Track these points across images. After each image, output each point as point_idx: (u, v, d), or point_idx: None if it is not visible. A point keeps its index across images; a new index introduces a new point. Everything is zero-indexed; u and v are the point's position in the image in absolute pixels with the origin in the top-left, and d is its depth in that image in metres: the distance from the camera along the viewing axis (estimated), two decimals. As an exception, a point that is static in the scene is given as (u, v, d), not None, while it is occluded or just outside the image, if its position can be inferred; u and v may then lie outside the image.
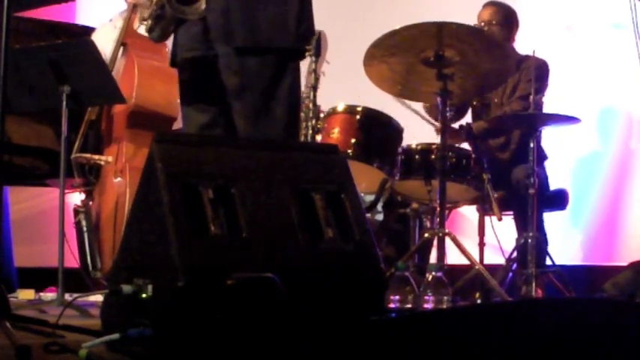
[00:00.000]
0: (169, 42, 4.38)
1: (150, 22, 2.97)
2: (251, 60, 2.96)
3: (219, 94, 3.01)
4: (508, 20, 4.75)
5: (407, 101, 4.42)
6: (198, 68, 3.05)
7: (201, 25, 2.98)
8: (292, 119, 3.04)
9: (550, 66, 4.65)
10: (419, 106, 4.57)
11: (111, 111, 4.33)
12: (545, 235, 4.43)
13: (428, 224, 4.30)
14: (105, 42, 4.30)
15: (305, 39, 3.05)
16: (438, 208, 3.87)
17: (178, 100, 4.26)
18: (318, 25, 4.26)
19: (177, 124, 4.43)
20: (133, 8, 4.42)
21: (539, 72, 4.43)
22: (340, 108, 4.32)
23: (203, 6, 2.81)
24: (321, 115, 4.30)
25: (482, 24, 4.67)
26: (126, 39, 4.31)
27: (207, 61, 3.01)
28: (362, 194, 4.31)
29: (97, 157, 4.26)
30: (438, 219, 3.87)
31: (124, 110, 4.20)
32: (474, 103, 4.79)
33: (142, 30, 4.47)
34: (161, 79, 4.22)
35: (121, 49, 4.33)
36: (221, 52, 2.98)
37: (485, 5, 4.78)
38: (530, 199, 4.10)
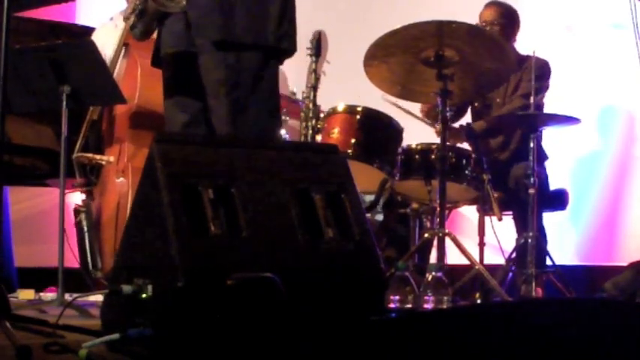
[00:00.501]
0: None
1: (132, 18, 2.97)
2: (233, 55, 2.97)
3: (201, 91, 3.02)
4: (510, 20, 4.74)
5: (400, 102, 4.44)
6: (180, 64, 3.06)
7: (184, 22, 3.00)
8: (270, 118, 3.05)
9: (550, 66, 4.65)
10: (415, 107, 4.60)
11: (113, 111, 4.32)
12: (544, 235, 4.43)
13: (428, 224, 4.30)
14: (105, 42, 4.30)
15: (286, 39, 3.06)
16: (438, 208, 3.87)
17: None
18: (318, 25, 4.27)
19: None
20: None
21: (540, 72, 4.42)
22: (340, 108, 4.31)
23: (184, 0, 2.82)
24: (321, 115, 4.30)
25: (484, 24, 4.67)
26: (128, 39, 4.31)
27: (189, 57, 3.02)
28: (362, 194, 4.30)
29: (98, 157, 4.26)
30: (438, 219, 3.87)
31: (126, 111, 4.20)
32: (475, 104, 4.79)
33: None
34: (164, 81, 4.22)
35: (123, 49, 4.33)
36: (203, 48, 2.99)
37: (488, 5, 4.77)
38: (530, 199, 4.10)
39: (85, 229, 4.20)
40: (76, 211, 4.24)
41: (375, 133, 4.27)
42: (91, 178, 4.30)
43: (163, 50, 3.11)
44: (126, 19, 3.04)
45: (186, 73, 3.05)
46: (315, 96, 4.25)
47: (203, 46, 2.99)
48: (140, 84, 4.13)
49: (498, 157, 4.60)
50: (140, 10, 2.93)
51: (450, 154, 3.99)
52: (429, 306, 3.23)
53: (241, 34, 2.97)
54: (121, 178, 4.12)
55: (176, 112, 3.10)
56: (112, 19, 4.73)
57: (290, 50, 3.11)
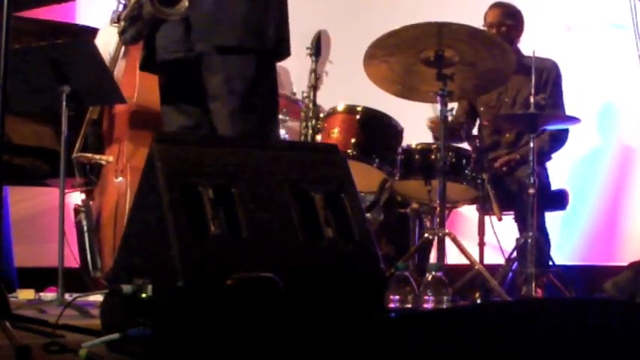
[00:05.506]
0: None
1: (124, 23, 2.97)
2: (233, 59, 2.98)
3: (201, 95, 3.03)
4: (515, 21, 4.73)
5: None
6: (179, 70, 3.06)
7: (182, 26, 2.99)
8: (269, 120, 3.07)
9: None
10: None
11: (112, 111, 4.33)
12: (547, 235, 4.42)
13: (428, 224, 4.30)
14: (108, 40, 4.30)
15: (283, 43, 3.07)
16: (438, 208, 3.87)
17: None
18: (318, 25, 4.28)
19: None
20: None
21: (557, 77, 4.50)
22: (340, 108, 4.31)
23: (184, 7, 2.82)
24: (321, 115, 4.30)
25: (490, 25, 4.66)
26: None
27: (188, 63, 3.02)
28: (362, 194, 4.31)
29: (97, 156, 4.26)
30: (438, 219, 3.87)
31: (125, 110, 4.20)
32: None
33: None
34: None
35: (122, 49, 4.33)
36: (203, 52, 2.99)
37: (492, 6, 4.75)
38: (531, 199, 4.10)
39: (85, 229, 4.20)
40: (76, 211, 4.24)
41: (375, 133, 4.27)
42: (92, 177, 4.30)
43: (160, 56, 3.10)
44: (114, 23, 3.04)
45: (185, 78, 3.05)
46: (315, 96, 4.25)
47: (203, 49, 2.99)
48: (139, 83, 4.13)
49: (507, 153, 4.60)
50: (133, 16, 2.93)
51: (450, 154, 3.99)
52: (429, 306, 3.23)
53: (243, 39, 2.98)
54: (120, 178, 4.12)
55: (176, 117, 3.11)
56: None
57: (286, 54, 3.13)
